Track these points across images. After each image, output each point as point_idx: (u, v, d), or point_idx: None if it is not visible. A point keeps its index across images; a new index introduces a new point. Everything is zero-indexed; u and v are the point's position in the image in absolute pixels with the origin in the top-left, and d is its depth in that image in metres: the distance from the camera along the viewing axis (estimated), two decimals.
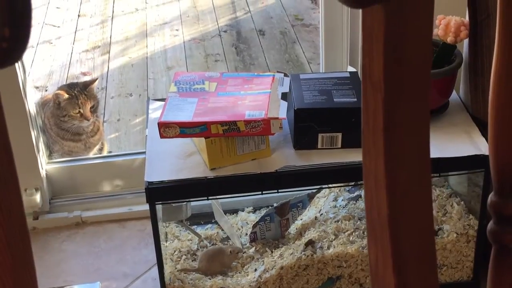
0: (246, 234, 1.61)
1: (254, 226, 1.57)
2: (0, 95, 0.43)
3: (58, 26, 3.42)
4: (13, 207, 0.46)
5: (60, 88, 2.07)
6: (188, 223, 1.61)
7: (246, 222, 1.67)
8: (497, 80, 0.59)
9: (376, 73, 0.50)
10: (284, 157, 1.39)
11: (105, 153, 2.18)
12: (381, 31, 0.49)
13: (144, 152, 1.47)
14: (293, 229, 1.61)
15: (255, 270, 1.50)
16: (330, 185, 1.62)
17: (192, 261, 1.54)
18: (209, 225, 1.67)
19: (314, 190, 1.61)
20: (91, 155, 2.11)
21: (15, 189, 0.46)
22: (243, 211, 1.72)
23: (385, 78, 0.50)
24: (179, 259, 1.54)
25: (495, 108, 0.59)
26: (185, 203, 1.52)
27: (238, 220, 1.68)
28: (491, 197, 0.63)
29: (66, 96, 2.00)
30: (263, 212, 1.64)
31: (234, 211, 1.71)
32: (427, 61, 0.52)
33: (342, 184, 1.62)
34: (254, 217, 1.68)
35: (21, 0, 0.39)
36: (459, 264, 1.54)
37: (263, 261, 1.51)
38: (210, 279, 1.49)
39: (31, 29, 0.40)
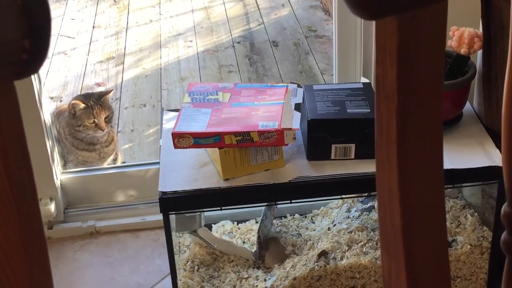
0: (245, 242, 1.61)
1: (258, 231, 1.58)
2: (20, 107, 0.44)
3: (73, 37, 3.45)
4: (31, 214, 0.47)
5: (75, 98, 2.09)
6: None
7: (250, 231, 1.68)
8: (509, 91, 0.59)
9: (390, 83, 0.51)
10: (298, 167, 1.39)
11: (119, 163, 2.20)
12: (394, 43, 0.49)
13: (157, 163, 1.48)
14: (306, 239, 1.61)
15: (265, 280, 1.50)
16: (343, 196, 1.62)
17: (206, 270, 1.55)
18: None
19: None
20: (105, 165, 2.12)
21: (33, 197, 0.47)
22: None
23: (399, 89, 0.51)
24: (192, 269, 1.54)
25: (507, 118, 0.60)
26: (198, 213, 1.52)
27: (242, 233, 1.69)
28: (504, 207, 0.63)
29: (82, 105, 2.02)
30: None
31: (246, 221, 1.72)
32: (440, 72, 0.53)
33: (355, 195, 1.62)
34: (247, 225, 1.69)
35: (41, 13, 0.40)
36: (473, 276, 1.54)
37: (275, 273, 1.51)
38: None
39: (50, 40, 0.41)
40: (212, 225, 1.69)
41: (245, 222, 1.71)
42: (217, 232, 1.67)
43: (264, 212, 1.59)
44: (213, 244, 1.58)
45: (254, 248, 1.59)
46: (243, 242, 1.64)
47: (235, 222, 1.71)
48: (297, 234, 1.64)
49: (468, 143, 1.45)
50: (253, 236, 1.64)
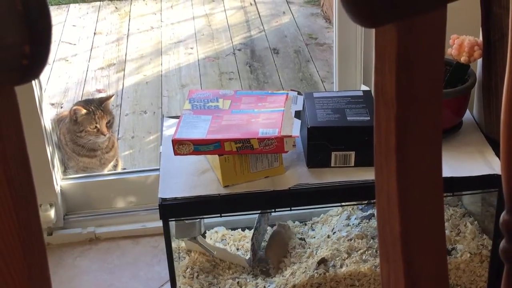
0: (239, 249, 1.61)
1: (252, 238, 1.58)
2: (20, 113, 0.44)
3: (74, 44, 3.45)
4: (31, 220, 0.47)
5: (76, 104, 2.09)
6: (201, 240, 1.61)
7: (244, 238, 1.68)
8: (508, 99, 0.59)
9: (389, 91, 0.51)
10: (297, 175, 1.39)
11: (119, 170, 2.20)
12: (393, 50, 0.50)
13: (157, 169, 1.48)
14: (306, 247, 1.61)
15: (264, 287, 1.49)
16: (343, 204, 1.62)
17: (205, 277, 1.54)
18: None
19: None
20: (105, 171, 2.12)
21: (33, 203, 0.47)
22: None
23: (398, 96, 0.51)
24: (191, 276, 1.54)
25: (506, 126, 0.60)
26: (198, 220, 1.52)
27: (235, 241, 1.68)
28: (503, 215, 0.63)
29: (84, 111, 2.02)
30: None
31: (247, 228, 1.72)
32: (439, 79, 0.53)
33: (355, 203, 1.62)
34: (239, 232, 1.69)
35: (41, 19, 0.40)
36: (472, 284, 1.53)
37: (274, 280, 1.51)
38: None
39: (51, 46, 0.41)
40: (206, 231, 1.69)
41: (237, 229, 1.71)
42: (210, 238, 1.67)
43: (258, 219, 1.59)
44: (212, 251, 1.58)
45: (248, 255, 1.59)
46: (237, 249, 1.63)
47: (229, 229, 1.71)
48: (301, 239, 1.64)
49: (468, 151, 1.45)
50: (247, 243, 1.64)
